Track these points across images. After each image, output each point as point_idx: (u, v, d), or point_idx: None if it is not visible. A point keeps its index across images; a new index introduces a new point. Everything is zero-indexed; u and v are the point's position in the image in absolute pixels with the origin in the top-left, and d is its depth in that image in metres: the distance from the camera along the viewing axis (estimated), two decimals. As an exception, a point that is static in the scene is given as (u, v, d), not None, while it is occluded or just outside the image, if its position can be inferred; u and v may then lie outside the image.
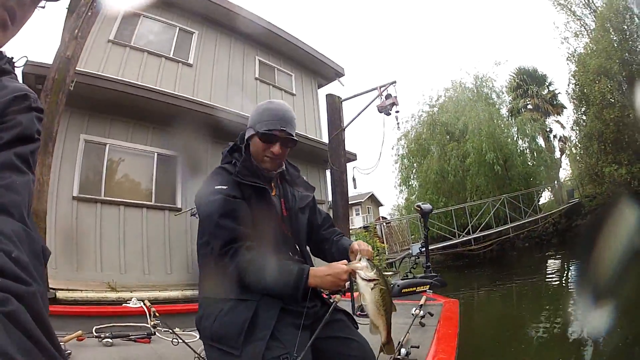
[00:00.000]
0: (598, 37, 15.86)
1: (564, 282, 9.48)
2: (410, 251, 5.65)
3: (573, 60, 17.55)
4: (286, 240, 2.14)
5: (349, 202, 32.80)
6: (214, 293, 2.03)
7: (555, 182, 21.25)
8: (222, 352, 1.91)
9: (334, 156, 9.80)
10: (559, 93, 25.42)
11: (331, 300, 2.07)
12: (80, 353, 2.65)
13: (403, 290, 4.28)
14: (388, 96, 9.57)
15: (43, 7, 1.12)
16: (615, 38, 15.25)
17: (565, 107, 23.83)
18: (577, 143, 18.25)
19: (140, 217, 8.58)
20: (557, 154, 23.82)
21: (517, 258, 16.96)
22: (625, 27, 15.15)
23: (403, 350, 2.41)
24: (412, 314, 3.23)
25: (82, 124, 8.09)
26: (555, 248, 16.23)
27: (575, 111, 18.38)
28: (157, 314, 3.27)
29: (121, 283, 7.54)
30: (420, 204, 5.87)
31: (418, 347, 2.45)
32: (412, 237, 15.33)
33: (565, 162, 22.62)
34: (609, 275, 6.24)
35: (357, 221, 34.84)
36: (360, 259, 1.89)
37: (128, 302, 3.56)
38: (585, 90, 16.26)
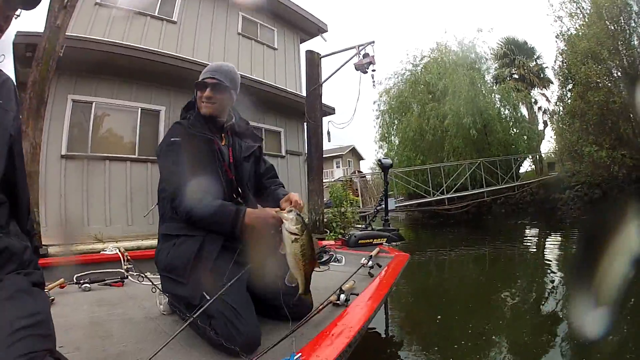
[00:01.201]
0: (591, 21, 15.69)
1: (538, 253, 9.57)
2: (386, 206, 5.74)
3: (562, 39, 17.45)
4: (231, 184, 2.46)
5: (330, 155, 32.72)
6: (168, 231, 2.36)
7: (537, 153, 21.35)
8: (173, 281, 2.27)
9: (310, 110, 10.17)
10: (547, 67, 25.05)
11: None
12: (62, 299, 2.88)
13: (360, 241, 4.35)
14: (366, 55, 9.88)
15: (19, 16, 1.33)
16: (610, 27, 15.09)
17: (551, 82, 23.56)
18: (559, 119, 18.18)
19: (125, 170, 8.91)
20: (541, 126, 23.82)
21: (493, 222, 17.32)
22: (622, 19, 14.97)
23: (343, 297, 2.62)
24: (362, 264, 3.45)
25: (70, 85, 8.31)
26: (530, 217, 16.42)
27: (560, 87, 18.25)
28: (129, 259, 3.54)
29: (107, 234, 7.88)
30: (381, 158, 6.01)
31: (357, 295, 2.61)
32: (391, 192, 15.59)
33: (549, 135, 22.63)
34: (586, 255, 6.48)
35: (337, 173, 35.07)
36: (290, 211, 2.05)
37: (105, 250, 3.85)
38: (571, 70, 16.14)
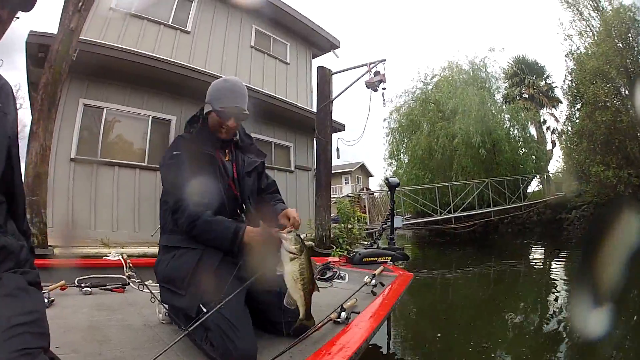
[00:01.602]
0: (600, 39, 15.70)
1: (544, 272, 9.48)
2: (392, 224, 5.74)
3: (572, 58, 17.43)
4: (235, 199, 2.47)
5: (339, 171, 32.72)
6: (169, 242, 2.36)
7: (544, 173, 21.29)
8: (171, 292, 2.27)
9: (320, 126, 10.16)
10: (556, 87, 25.01)
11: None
12: (62, 301, 2.90)
13: (364, 259, 4.34)
14: (377, 73, 9.91)
15: (18, 18, 1.33)
16: (619, 44, 15.09)
17: (560, 102, 23.59)
18: (567, 138, 18.16)
19: (134, 177, 8.94)
20: (549, 145, 23.76)
21: (499, 241, 17.16)
22: (630, 36, 14.99)
23: (343, 315, 2.57)
24: (365, 282, 3.40)
25: (82, 89, 8.38)
26: (536, 237, 16.35)
27: (568, 107, 18.27)
28: (131, 266, 3.54)
29: (113, 239, 7.86)
30: (388, 177, 6.04)
31: (358, 313, 2.59)
32: (399, 210, 15.58)
33: (557, 154, 22.56)
34: (593, 273, 6.40)
35: (345, 189, 35.13)
36: (290, 232, 2.09)
37: (108, 255, 3.85)
38: (580, 89, 16.13)
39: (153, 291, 2.42)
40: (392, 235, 5.53)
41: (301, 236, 2.14)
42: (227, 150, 2.53)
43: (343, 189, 36.07)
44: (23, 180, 6.12)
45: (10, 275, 1.29)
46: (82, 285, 3.26)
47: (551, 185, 20.75)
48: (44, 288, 2.72)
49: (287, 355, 2.06)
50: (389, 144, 22.59)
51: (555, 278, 8.11)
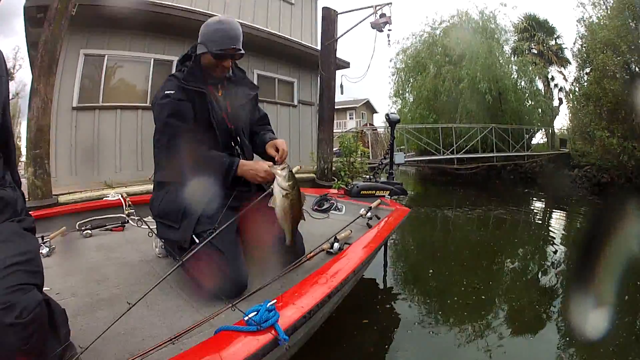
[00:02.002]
0: (613, 14, 15.12)
1: (543, 225, 9.36)
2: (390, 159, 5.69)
3: (583, 24, 16.86)
4: (229, 132, 2.46)
5: (344, 107, 32.57)
6: (162, 178, 2.40)
7: (550, 128, 20.97)
8: (166, 227, 2.32)
9: (324, 63, 10.23)
10: (566, 48, 24.12)
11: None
12: (63, 247, 2.96)
13: (362, 192, 4.31)
14: (382, 15, 9.84)
15: None
16: (631, 24, 14.50)
17: (569, 62, 22.81)
18: (574, 98, 17.77)
19: (136, 118, 8.94)
20: (556, 102, 23.20)
21: (501, 187, 17.04)
22: None
23: (336, 245, 2.63)
24: (360, 214, 3.42)
25: (82, 40, 8.30)
26: (537, 188, 16.18)
27: (577, 69, 17.74)
28: (130, 204, 3.57)
29: (117, 180, 8.00)
30: (389, 113, 5.94)
31: (350, 245, 2.59)
32: (402, 147, 15.51)
33: (563, 112, 22.12)
34: (593, 236, 6.35)
35: (349, 125, 34.86)
36: (284, 168, 2.13)
37: (108, 195, 3.89)
38: (589, 55, 15.65)
39: (151, 226, 2.46)
40: (391, 170, 5.51)
41: (293, 170, 2.16)
42: (219, 86, 2.51)
43: (347, 124, 35.81)
44: (26, 135, 6.23)
45: (7, 224, 1.38)
46: (83, 229, 3.32)
47: (556, 140, 20.49)
48: (45, 237, 2.81)
49: (279, 284, 2.12)
50: (395, 83, 22.35)
51: (554, 232, 7.97)
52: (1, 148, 1.48)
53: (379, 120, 41.47)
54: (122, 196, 3.68)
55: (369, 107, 43.46)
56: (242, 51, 2.41)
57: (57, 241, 3.02)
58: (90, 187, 7.36)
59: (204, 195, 2.27)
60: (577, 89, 17.68)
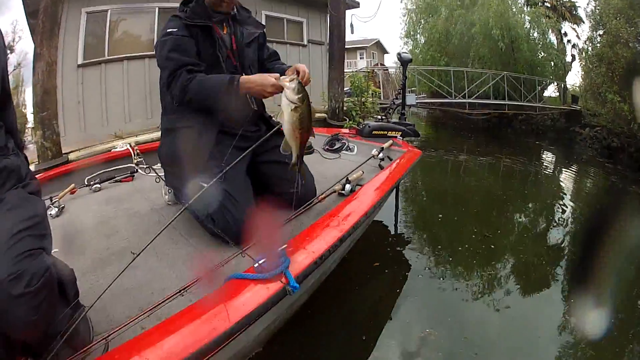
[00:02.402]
0: None
1: (553, 179, 9.20)
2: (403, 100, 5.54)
3: None
4: (234, 69, 2.36)
5: (354, 46, 32.08)
6: (169, 124, 2.33)
7: (562, 82, 20.39)
8: (174, 173, 2.31)
9: (333, 2, 9.97)
10: (579, 6, 23.28)
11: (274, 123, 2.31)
12: (72, 205, 2.91)
13: (373, 132, 4.22)
14: None
15: None
16: None
17: (582, 21, 21.96)
18: (587, 57, 17.21)
19: (143, 67, 8.81)
20: (569, 58, 22.46)
21: (511, 136, 16.86)
22: None
23: (348, 187, 2.57)
24: (372, 155, 3.37)
25: None
26: (548, 141, 15.95)
27: (590, 30, 17.12)
28: (139, 153, 3.52)
29: (127, 131, 8.01)
30: (400, 52, 5.75)
31: (362, 186, 2.54)
32: (413, 89, 15.26)
33: (576, 69, 21.39)
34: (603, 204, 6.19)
35: (360, 64, 34.19)
36: (292, 79, 1.93)
37: (116, 147, 3.83)
38: (603, 18, 15.11)
39: (160, 174, 2.41)
40: (403, 110, 5.38)
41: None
42: (224, 24, 2.41)
43: (358, 64, 35.11)
44: (32, 100, 6.22)
45: (13, 192, 1.37)
46: (92, 183, 3.25)
47: (567, 96, 19.99)
48: (54, 197, 2.79)
49: (289, 226, 2.08)
50: (406, 24, 21.83)
51: (563, 190, 7.86)
52: (2, 117, 1.46)
53: (390, 61, 40.82)
54: (130, 145, 3.64)
55: (379, 47, 42.49)
56: None
57: (66, 200, 2.97)
58: (100, 140, 7.35)
59: (210, 136, 2.21)
60: (589, 48, 17.07)
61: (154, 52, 6.93)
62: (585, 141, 15.24)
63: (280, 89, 1.97)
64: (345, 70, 11.22)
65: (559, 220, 5.68)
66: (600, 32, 16.02)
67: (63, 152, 6.52)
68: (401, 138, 4.29)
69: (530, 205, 6.47)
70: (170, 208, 2.61)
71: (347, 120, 10.18)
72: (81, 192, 3.20)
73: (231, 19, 2.44)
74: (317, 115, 10.13)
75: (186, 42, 2.22)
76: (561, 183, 8.71)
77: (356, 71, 15.54)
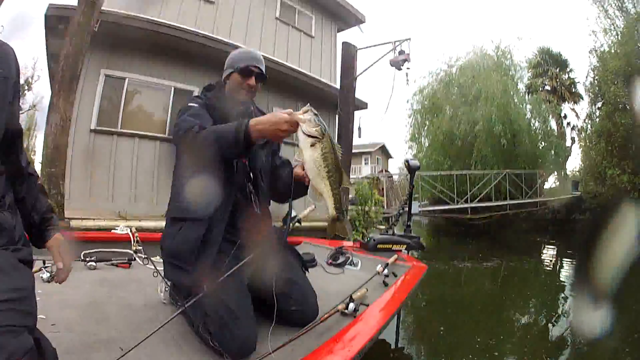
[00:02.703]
0: (623, 40, 15.48)
1: (554, 273, 9.35)
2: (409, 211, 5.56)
3: (595, 55, 17.33)
4: (243, 168, 2.33)
5: (359, 151, 32.66)
6: (176, 213, 2.25)
7: (562, 170, 20.98)
8: (176, 268, 2.16)
9: (343, 103, 10.17)
10: (578, 82, 24.59)
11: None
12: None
13: (378, 246, 4.23)
14: (401, 52, 9.89)
15: None
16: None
17: (582, 98, 23.21)
18: (586, 137, 17.91)
19: (154, 149, 8.90)
20: (569, 142, 23.34)
21: (513, 236, 16.98)
22: None
23: (352, 306, 2.43)
24: (377, 271, 3.28)
25: (103, 59, 8.34)
26: (550, 236, 16.21)
27: (589, 104, 18.10)
28: (139, 240, 3.45)
29: (131, 212, 7.87)
30: (409, 159, 5.81)
31: (367, 306, 2.47)
32: (416, 196, 15.41)
33: (575, 152, 22.24)
34: (606, 279, 6.20)
35: (364, 170, 34.91)
36: (307, 111, 1.78)
37: (116, 228, 3.78)
38: (602, 87, 16.03)
39: (158, 267, 2.32)
40: (409, 222, 5.36)
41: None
42: (240, 119, 2.42)
43: (362, 170, 35.93)
44: (42, 151, 6.19)
45: (1, 252, 1.26)
46: (87, 259, 3.18)
47: (568, 183, 20.45)
48: (47, 261, 2.68)
49: (289, 348, 1.96)
50: (411, 126, 22.30)
51: (564, 280, 8.02)
52: (4, 163, 1.36)
53: (394, 166, 41.56)
54: (130, 231, 3.57)
55: (384, 152, 43.56)
56: (263, 72, 2.46)
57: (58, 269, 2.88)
58: (104, 215, 7.26)
59: (218, 232, 2.14)
60: (589, 126, 18.04)
61: (166, 136, 7.10)
62: (587, 226, 15.22)
63: (296, 125, 1.83)
64: (350, 177, 11.29)
65: (561, 315, 5.77)
66: (599, 104, 16.84)
67: (66, 216, 6.41)
68: (406, 252, 4.27)
69: (531, 304, 6.57)
70: (166, 308, 2.48)
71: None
72: (76, 265, 3.06)
73: (247, 117, 2.45)
74: (321, 224, 10.08)
75: (205, 114, 2.24)
76: (561, 277, 8.86)
77: (362, 178, 15.79)
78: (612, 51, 16.08)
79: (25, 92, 22.08)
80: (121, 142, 8.53)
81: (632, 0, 16.05)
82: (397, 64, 9.94)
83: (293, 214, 2.42)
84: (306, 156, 1.78)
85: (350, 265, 3.96)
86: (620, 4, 16.55)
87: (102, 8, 6.82)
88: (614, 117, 14.79)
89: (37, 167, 8.53)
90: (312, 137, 1.75)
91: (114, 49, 8.39)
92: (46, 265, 2.67)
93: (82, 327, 2.05)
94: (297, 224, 3.21)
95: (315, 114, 1.80)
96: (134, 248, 3.42)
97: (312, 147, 1.77)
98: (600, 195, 16.00)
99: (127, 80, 8.67)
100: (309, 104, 1.86)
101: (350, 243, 4.79)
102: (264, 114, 2.53)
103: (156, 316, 2.33)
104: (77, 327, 2.04)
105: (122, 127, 8.55)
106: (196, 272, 2.06)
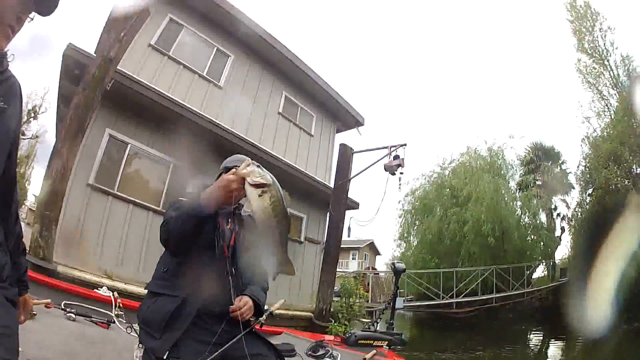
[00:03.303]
0: (617, 120, 16.27)
1: (541, 355, 9.18)
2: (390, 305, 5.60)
3: (587, 142, 18.04)
4: (224, 260, 2.38)
5: (348, 246, 32.34)
6: (154, 288, 2.37)
7: (551, 260, 21.02)
8: (148, 334, 2.23)
9: (335, 203, 10.37)
10: (570, 172, 25.29)
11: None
12: (44, 318, 2.87)
13: (359, 341, 4.25)
14: (396, 157, 10.09)
15: (32, 19, 1.38)
16: (634, 124, 15.41)
17: (573, 188, 23.78)
18: (576, 224, 18.19)
19: (146, 219, 8.89)
20: (558, 232, 23.57)
21: (498, 327, 16.81)
22: None
23: None
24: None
25: (110, 118, 8.44)
26: (537, 323, 16.05)
27: (580, 192, 18.55)
28: (121, 306, 3.45)
29: (117, 273, 7.87)
30: (395, 262, 5.98)
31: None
32: (401, 291, 15.30)
33: (565, 240, 22.42)
34: None
35: (352, 266, 34.56)
36: (249, 164, 1.86)
37: (100, 288, 3.76)
38: (592, 175, 16.61)
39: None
40: (392, 320, 5.40)
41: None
42: (229, 220, 2.50)
43: (350, 265, 35.60)
44: (40, 192, 6.16)
45: None
46: (68, 310, 3.23)
47: (556, 271, 20.40)
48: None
49: None
50: (401, 226, 22.63)
51: None
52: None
53: (381, 262, 41.21)
54: (113, 295, 3.61)
55: (372, 249, 43.31)
56: None
57: (39, 309, 2.90)
58: (90, 269, 7.30)
59: (190, 311, 2.19)
60: (579, 213, 18.29)
61: (159, 208, 7.09)
62: (573, 312, 14.84)
63: (243, 181, 1.90)
64: (336, 270, 11.34)
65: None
66: (590, 190, 17.00)
67: (54, 259, 6.37)
68: (387, 347, 4.26)
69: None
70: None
71: (333, 321, 10.12)
72: (55, 312, 3.17)
73: (237, 219, 2.53)
74: (304, 314, 10.12)
75: None
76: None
77: (349, 272, 15.74)
78: (605, 134, 16.72)
79: (31, 119, 22.34)
80: (115, 204, 8.53)
81: (626, 73, 16.85)
82: (391, 169, 10.15)
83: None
84: (255, 207, 1.83)
85: (330, 358, 3.97)
86: (615, 81, 17.45)
87: (118, 67, 7.04)
88: (604, 201, 15.13)
89: (30, 197, 8.35)
90: (259, 185, 1.82)
91: (122, 112, 8.57)
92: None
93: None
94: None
95: (258, 166, 1.90)
96: (115, 312, 3.45)
97: (260, 198, 1.83)
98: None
99: (129, 146, 8.78)
100: (248, 159, 1.99)
101: (331, 337, 4.77)
102: (254, 219, 2.67)
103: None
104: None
105: (119, 190, 8.56)
106: (162, 340, 2.14)
